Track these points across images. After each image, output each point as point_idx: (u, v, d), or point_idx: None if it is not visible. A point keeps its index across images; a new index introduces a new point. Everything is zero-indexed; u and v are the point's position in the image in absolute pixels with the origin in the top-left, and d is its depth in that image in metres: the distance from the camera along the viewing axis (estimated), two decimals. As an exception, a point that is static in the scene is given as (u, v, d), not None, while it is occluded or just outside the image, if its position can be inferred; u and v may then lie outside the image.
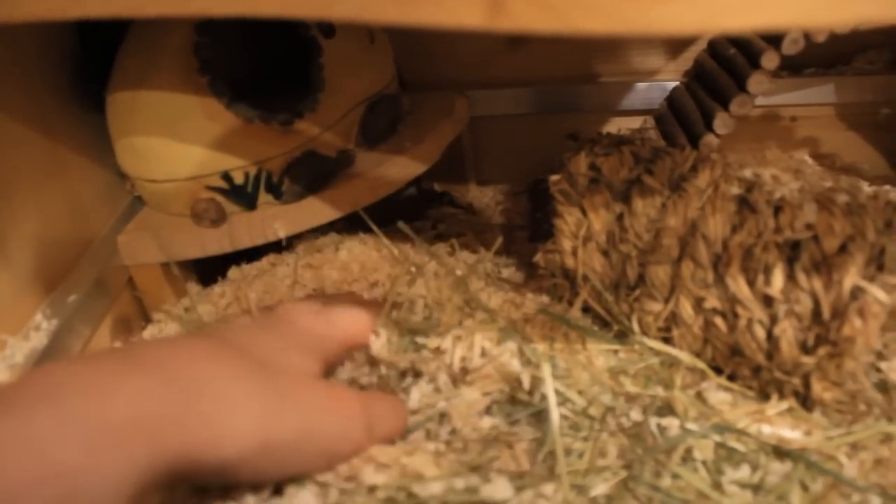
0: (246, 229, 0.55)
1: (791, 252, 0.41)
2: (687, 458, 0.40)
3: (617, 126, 0.73)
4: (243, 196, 0.55)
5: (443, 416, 0.43)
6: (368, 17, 0.27)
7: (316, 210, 0.55)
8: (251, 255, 0.58)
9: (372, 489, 0.37)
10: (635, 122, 0.72)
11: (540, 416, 0.42)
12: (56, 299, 0.51)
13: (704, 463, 0.40)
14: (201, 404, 0.31)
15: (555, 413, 0.41)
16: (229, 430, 0.32)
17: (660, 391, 0.44)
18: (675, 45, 0.71)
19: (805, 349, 0.41)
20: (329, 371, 0.43)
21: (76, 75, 0.57)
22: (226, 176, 0.54)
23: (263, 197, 0.56)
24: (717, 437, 0.41)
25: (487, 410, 0.43)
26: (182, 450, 0.30)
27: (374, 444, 0.38)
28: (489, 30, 0.25)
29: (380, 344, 0.44)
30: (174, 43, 0.52)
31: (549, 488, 0.38)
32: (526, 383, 0.43)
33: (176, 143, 0.52)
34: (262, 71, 0.55)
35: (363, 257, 0.55)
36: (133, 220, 0.58)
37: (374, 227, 0.53)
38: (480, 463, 0.39)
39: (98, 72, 0.56)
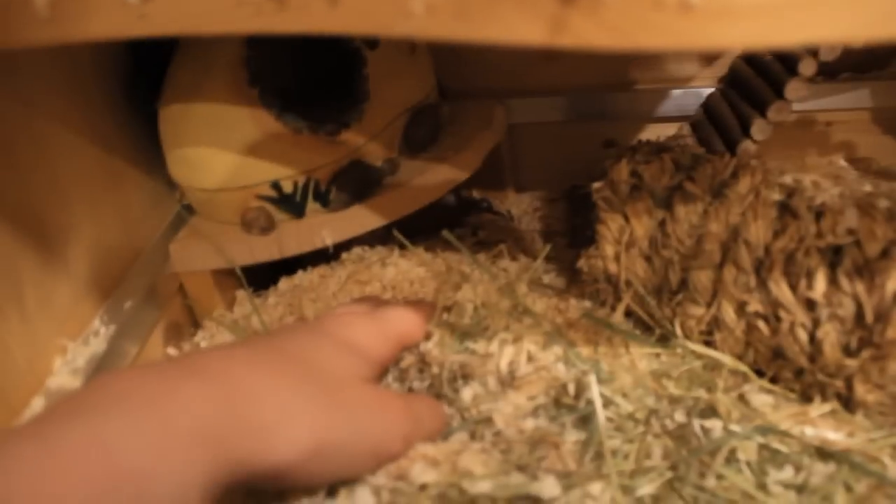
0: (294, 237, 0.56)
1: (833, 257, 0.42)
2: (731, 458, 0.41)
3: (652, 133, 0.74)
4: (292, 204, 0.56)
5: (488, 420, 0.44)
6: (432, 35, 0.28)
7: (362, 218, 0.57)
8: (297, 263, 0.60)
9: (423, 487, 0.38)
10: (670, 129, 0.73)
11: (585, 420, 0.43)
12: (112, 306, 0.53)
13: (748, 464, 0.40)
14: (258, 412, 0.32)
15: (601, 414, 0.42)
16: (284, 436, 0.33)
17: (703, 394, 0.45)
18: (710, 53, 0.71)
19: (848, 352, 0.41)
20: (383, 371, 0.44)
21: (128, 87, 0.59)
22: (275, 185, 0.55)
23: (311, 205, 0.57)
24: (761, 439, 0.41)
25: (533, 414, 0.44)
26: (241, 456, 0.31)
27: (417, 443, 0.40)
28: (551, 46, 0.26)
29: (432, 345, 0.45)
30: (225, 56, 0.54)
31: (596, 487, 0.39)
32: (571, 387, 0.44)
33: (227, 153, 0.54)
34: (308, 82, 0.56)
35: (411, 274, 0.56)
36: (184, 228, 0.60)
37: (407, 243, 0.54)
38: (528, 462, 0.40)
39: (149, 84, 0.58)
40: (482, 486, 0.38)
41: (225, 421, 0.31)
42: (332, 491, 0.38)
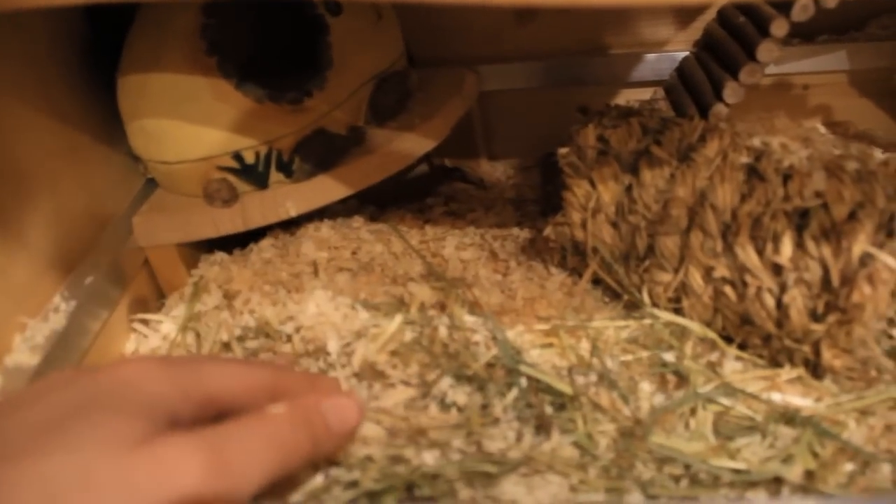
0: (258, 208, 0.55)
1: (800, 220, 0.41)
2: (695, 417, 0.41)
3: (627, 98, 0.73)
4: (255, 175, 0.55)
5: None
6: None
7: (327, 187, 0.56)
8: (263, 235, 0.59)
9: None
10: (646, 94, 0.72)
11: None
12: (73, 281, 0.52)
13: (714, 426, 0.40)
14: None
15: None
16: None
17: (671, 359, 0.44)
18: (684, 16, 0.70)
19: (815, 317, 0.41)
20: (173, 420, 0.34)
21: (87, 59, 0.58)
22: (237, 156, 0.54)
23: (275, 176, 0.56)
24: (726, 401, 0.41)
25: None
26: None
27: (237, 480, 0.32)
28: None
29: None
30: (182, 25, 0.52)
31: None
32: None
33: (186, 124, 0.53)
34: (269, 51, 0.55)
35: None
36: (147, 202, 0.59)
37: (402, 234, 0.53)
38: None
39: (108, 55, 0.57)
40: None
41: None
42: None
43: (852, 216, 0.40)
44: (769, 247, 0.41)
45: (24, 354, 0.46)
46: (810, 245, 0.40)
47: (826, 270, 0.40)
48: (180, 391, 0.34)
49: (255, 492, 0.32)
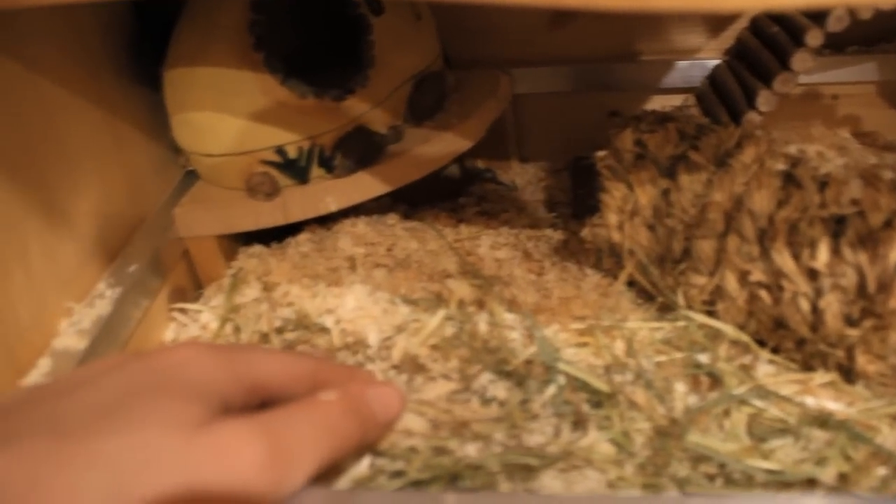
0: (299, 202, 0.56)
1: (836, 227, 0.42)
2: (729, 419, 0.41)
3: (657, 104, 0.73)
4: (296, 170, 0.56)
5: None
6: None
7: (367, 184, 0.57)
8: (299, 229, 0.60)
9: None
10: (676, 101, 0.73)
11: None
12: (117, 269, 0.53)
13: (748, 427, 0.41)
14: None
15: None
16: None
17: (704, 361, 0.45)
18: (716, 24, 0.71)
19: (850, 322, 0.41)
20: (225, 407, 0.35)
21: (133, 51, 0.59)
22: (280, 150, 0.55)
23: (316, 171, 0.57)
24: (759, 403, 0.42)
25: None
26: None
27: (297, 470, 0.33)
28: (562, 6, 0.26)
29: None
30: (230, 20, 0.53)
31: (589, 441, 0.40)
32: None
33: (231, 118, 0.54)
34: (314, 48, 0.56)
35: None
36: (188, 194, 0.60)
37: (440, 232, 0.54)
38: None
39: (154, 48, 0.58)
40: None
41: None
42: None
43: (888, 224, 0.40)
44: (805, 252, 0.42)
45: (71, 338, 0.47)
46: (847, 251, 0.41)
47: (862, 277, 0.41)
48: (231, 376, 0.35)
49: (308, 477, 0.33)
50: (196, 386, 0.33)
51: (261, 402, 0.36)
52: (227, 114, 0.54)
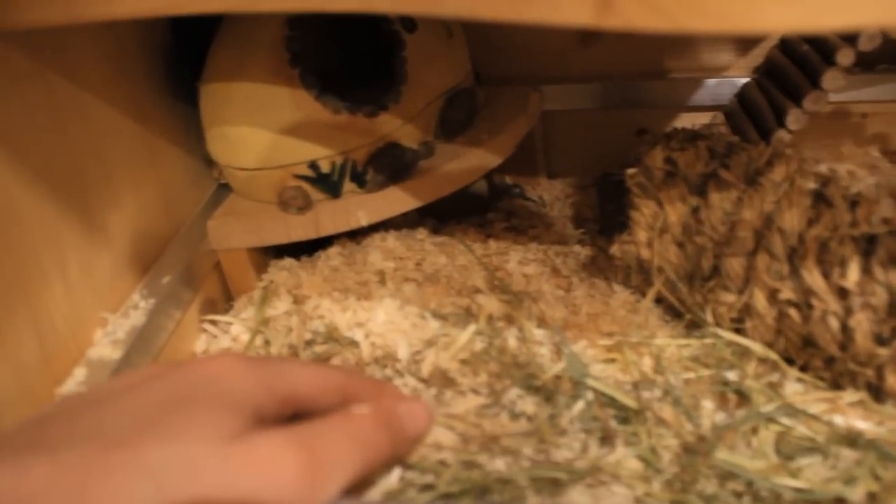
0: (330, 216, 0.57)
1: (867, 246, 0.42)
2: (757, 436, 0.41)
3: (686, 122, 0.74)
4: (329, 184, 0.57)
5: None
6: (482, 15, 0.29)
7: (398, 199, 0.58)
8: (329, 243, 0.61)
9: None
10: (704, 118, 0.73)
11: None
12: (151, 280, 0.54)
13: (776, 445, 0.41)
14: None
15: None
16: None
17: (733, 378, 0.45)
18: (745, 42, 0.71)
19: (880, 341, 0.41)
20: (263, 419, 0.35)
21: (170, 66, 0.60)
22: (313, 165, 0.56)
23: (348, 185, 0.58)
24: (787, 421, 0.42)
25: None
26: None
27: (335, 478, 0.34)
28: (598, 28, 0.27)
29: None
30: (266, 36, 0.54)
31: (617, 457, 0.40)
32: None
33: (266, 132, 0.55)
34: (348, 64, 0.57)
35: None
36: (221, 206, 0.61)
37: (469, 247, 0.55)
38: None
39: (191, 63, 0.59)
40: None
41: None
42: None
43: (920, 244, 0.40)
44: (836, 271, 0.42)
45: (106, 348, 0.48)
46: (877, 271, 0.41)
47: (893, 295, 0.41)
48: (265, 388, 0.35)
49: (341, 488, 0.34)
50: (232, 397, 0.34)
51: (293, 413, 0.37)
52: (262, 128, 0.55)
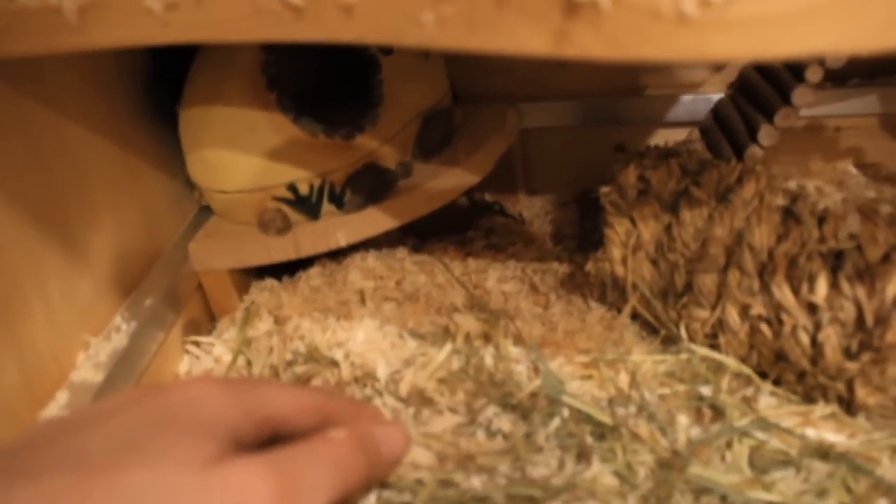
0: (310, 237, 0.58)
1: (835, 261, 0.43)
2: (731, 451, 0.42)
3: (662, 137, 0.75)
4: (308, 206, 0.58)
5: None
6: (441, 45, 0.30)
7: (376, 219, 0.58)
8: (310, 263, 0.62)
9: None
10: (680, 134, 0.74)
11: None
12: (133, 303, 0.55)
13: (750, 459, 0.42)
14: None
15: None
16: None
17: (707, 393, 0.46)
18: (710, 63, 0.72)
19: (849, 355, 0.42)
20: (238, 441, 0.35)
21: (149, 91, 0.61)
22: (291, 187, 0.57)
23: (326, 207, 0.58)
24: (761, 435, 0.42)
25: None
26: None
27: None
28: (555, 56, 0.27)
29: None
30: (244, 61, 0.55)
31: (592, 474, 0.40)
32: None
33: (245, 155, 0.56)
34: (325, 87, 0.58)
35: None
36: (203, 229, 0.62)
37: (447, 266, 0.55)
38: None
39: (170, 87, 0.60)
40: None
41: None
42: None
43: (886, 258, 0.41)
44: (805, 286, 0.43)
45: (88, 371, 0.49)
46: (845, 285, 0.42)
47: (860, 310, 0.42)
48: (242, 411, 0.35)
49: None
50: (208, 422, 0.34)
51: (271, 435, 0.37)
52: (241, 152, 0.56)
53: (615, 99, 0.75)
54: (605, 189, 0.52)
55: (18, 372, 0.45)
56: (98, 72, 0.55)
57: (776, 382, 0.47)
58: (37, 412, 0.45)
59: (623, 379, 0.47)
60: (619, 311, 0.53)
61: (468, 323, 0.51)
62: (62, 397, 0.47)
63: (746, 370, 0.47)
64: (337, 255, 0.62)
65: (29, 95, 0.48)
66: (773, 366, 0.46)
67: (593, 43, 0.26)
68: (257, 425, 0.36)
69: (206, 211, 0.65)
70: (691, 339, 0.49)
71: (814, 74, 0.57)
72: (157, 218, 0.60)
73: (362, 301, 0.56)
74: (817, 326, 0.43)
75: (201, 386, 0.36)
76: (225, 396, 0.36)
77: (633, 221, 0.51)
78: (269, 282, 0.61)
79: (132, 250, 0.57)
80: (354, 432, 0.38)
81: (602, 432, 0.43)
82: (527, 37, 0.28)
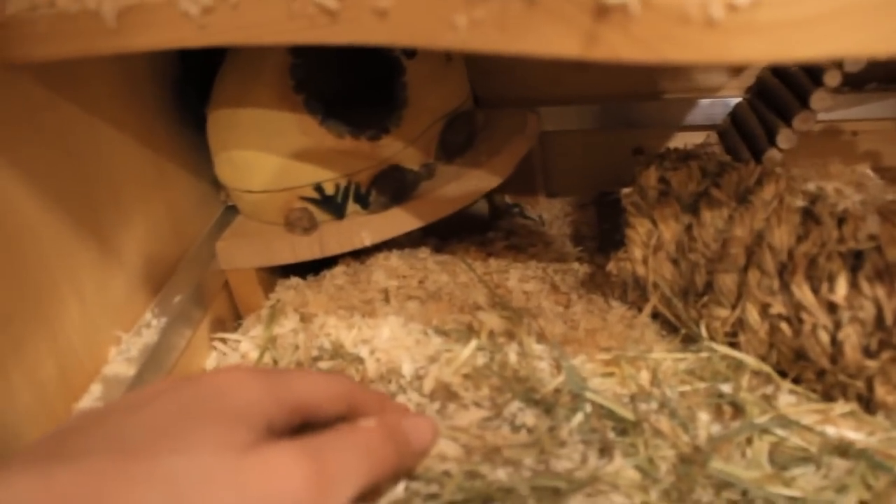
0: (335, 237, 0.59)
1: (854, 261, 0.43)
2: (751, 447, 0.43)
3: (680, 141, 0.75)
4: (333, 206, 0.59)
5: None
6: (473, 47, 0.31)
7: (400, 219, 0.59)
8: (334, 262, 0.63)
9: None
10: (698, 138, 0.74)
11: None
12: (163, 299, 0.56)
13: (770, 455, 0.42)
14: None
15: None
16: None
17: (727, 391, 0.46)
18: (735, 65, 0.73)
19: (868, 353, 0.43)
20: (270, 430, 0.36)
21: (178, 93, 0.62)
22: (318, 187, 0.58)
23: (352, 207, 0.60)
24: (781, 432, 0.43)
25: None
26: None
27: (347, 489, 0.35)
28: (585, 59, 0.28)
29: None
30: (272, 63, 0.56)
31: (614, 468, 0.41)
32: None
33: (272, 156, 0.57)
34: (350, 89, 0.59)
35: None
36: (229, 228, 0.63)
37: (470, 265, 0.56)
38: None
39: (198, 90, 0.61)
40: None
41: None
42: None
43: (905, 259, 0.42)
44: (824, 286, 0.44)
45: (120, 366, 0.50)
46: (864, 285, 0.42)
47: (880, 309, 0.42)
48: (274, 399, 0.37)
49: (349, 499, 0.35)
50: (242, 409, 0.35)
51: (302, 422, 0.38)
52: (268, 152, 0.57)
53: (633, 103, 0.76)
54: (626, 190, 0.53)
55: (55, 365, 0.46)
56: (130, 74, 0.56)
57: (796, 381, 0.47)
58: (72, 404, 0.47)
59: (644, 376, 0.48)
60: (640, 310, 0.54)
61: (492, 320, 0.52)
62: (96, 390, 0.48)
63: (766, 368, 0.48)
64: (360, 254, 0.63)
65: (65, 98, 0.49)
66: (793, 364, 0.47)
67: (622, 45, 0.27)
68: (289, 413, 0.37)
69: (232, 210, 0.66)
70: (712, 337, 0.50)
71: (832, 79, 0.58)
72: (184, 217, 0.62)
73: (386, 299, 0.57)
74: (837, 325, 0.43)
75: (234, 374, 0.37)
76: (257, 384, 0.37)
77: (653, 222, 0.51)
78: (295, 280, 0.62)
79: (161, 248, 0.58)
80: (384, 422, 0.39)
81: (624, 427, 0.44)
82: (557, 39, 0.29)
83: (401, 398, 0.48)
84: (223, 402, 0.35)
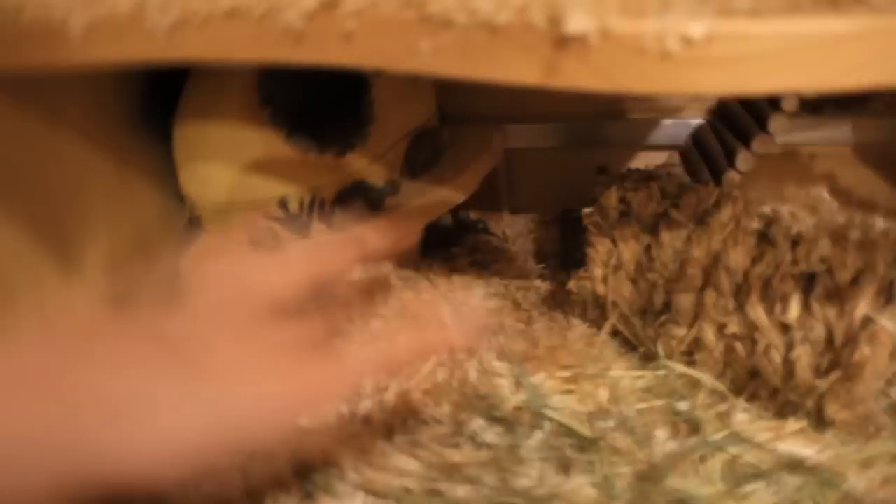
0: (300, 252, 0.59)
1: (807, 283, 0.44)
2: (706, 464, 0.44)
3: (643, 160, 0.76)
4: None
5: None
6: (436, 72, 0.31)
7: (364, 235, 0.59)
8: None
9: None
10: (660, 157, 0.76)
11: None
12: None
13: (723, 472, 0.43)
14: (113, 423, 0.31)
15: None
16: (145, 447, 0.31)
17: (684, 408, 0.47)
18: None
19: (819, 373, 0.44)
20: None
21: (144, 105, 0.62)
22: (282, 202, 0.58)
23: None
24: (734, 449, 0.44)
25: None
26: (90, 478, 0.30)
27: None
28: (544, 86, 0.29)
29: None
30: (238, 78, 0.56)
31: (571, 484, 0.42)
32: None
33: (238, 169, 0.57)
34: (316, 104, 0.59)
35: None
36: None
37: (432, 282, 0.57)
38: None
39: (164, 102, 0.61)
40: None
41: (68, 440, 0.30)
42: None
43: (855, 281, 0.43)
44: (778, 307, 0.45)
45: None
46: (816, 307, 0.43)
47: (830, 331, 0.43)
48: (280, 274, 0.39)
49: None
50: (259, 306, 0.37)
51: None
52: (233, 166, 0.57)
53: (598, 122, 0.77)
54: (587, 210, 0.54)
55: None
56: (95, 87, 0.56)
57: (750, 399, 0.48)
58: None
59: (603, 394, 0.49)
60: (600, 328, 0.55)
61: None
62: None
63: (721, 387, 0.49)
64: (325, 269, 0.63)
65: (29, 108, 0.49)
66: (747, 383, 0.48)
67: (581, 74, 0.28)
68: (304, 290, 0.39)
69: (195, 224, 0.65)
70: (669, 356, 0.51)
71: (790, 104, 0.59)
72: (147, 232, 0.61)
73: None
74: (789, 346, 0.44)
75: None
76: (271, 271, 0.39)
77: (614, 242, 0.52)
78: (259, 295, 0.62)
79: (125, 264, 0.58)
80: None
81: (582, 445, 0.45)
82: (518, 67, 0.30)
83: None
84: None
